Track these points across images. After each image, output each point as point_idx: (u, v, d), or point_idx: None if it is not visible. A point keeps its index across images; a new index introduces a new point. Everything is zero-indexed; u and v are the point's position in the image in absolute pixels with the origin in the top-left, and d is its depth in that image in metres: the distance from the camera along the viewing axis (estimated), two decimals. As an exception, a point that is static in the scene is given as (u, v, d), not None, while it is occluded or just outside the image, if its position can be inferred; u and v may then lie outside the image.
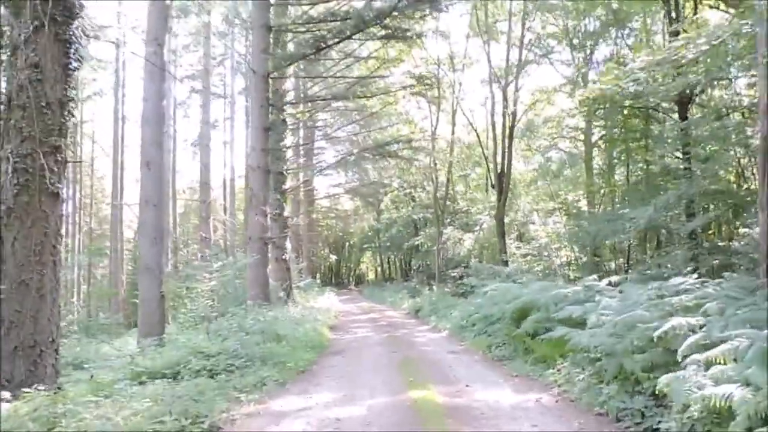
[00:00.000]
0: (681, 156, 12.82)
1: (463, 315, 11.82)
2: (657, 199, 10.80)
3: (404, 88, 17.19)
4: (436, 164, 24.32)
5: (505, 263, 19.46)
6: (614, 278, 7.16)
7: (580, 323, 6.28)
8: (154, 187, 11.03)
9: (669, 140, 13.44)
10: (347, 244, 54.62)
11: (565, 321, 6.65)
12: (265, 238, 14.57)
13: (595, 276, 7.99)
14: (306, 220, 35.79)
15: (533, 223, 25.18)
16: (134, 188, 44.45)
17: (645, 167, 16.80)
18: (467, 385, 6.53)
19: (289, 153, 20.50)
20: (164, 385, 5.62)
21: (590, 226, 14.22)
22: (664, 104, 14.93)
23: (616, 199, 19.81)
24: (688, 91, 12.76)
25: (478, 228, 26.27)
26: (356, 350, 10.37)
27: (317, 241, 44.55)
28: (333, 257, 52.62)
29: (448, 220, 27.57)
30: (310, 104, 20.02)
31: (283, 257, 18.37)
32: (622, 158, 18.01)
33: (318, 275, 51.92)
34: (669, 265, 11.42)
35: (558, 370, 6.34)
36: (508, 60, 19.66)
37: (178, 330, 11.15)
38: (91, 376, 6.13)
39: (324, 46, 14.50)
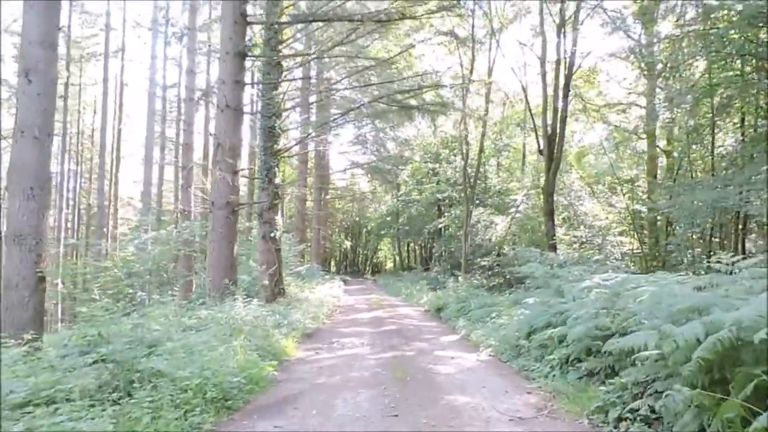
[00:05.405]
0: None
1: (518, 325, 7.26)
2: None
3: (431, 13, 12.89)
4: (466, 127, 19.98)
5: (554, 248, 15.22)
6: None
7: None
8: (36, 110, 7.04)
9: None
10: (364, 229, 50.60)
11: None
12: (233, 203, 10.55)
13: None
14: (317, 199, 31.86)
15: (582, 205, 20.77)
16: (134, 165, 41.08)
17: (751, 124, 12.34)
18: None
19: (286, 106, 16.39)
20: None
21: (700, 195, 9.69)
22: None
23: (697, 173, 15.47)
24: None
25: (514, 209, 21.85)
26: (317, 405, 5.30)
27: (330, 223, 40.57)
28: (348, 243, 48.77)
29: (478, 201, 23.27)
30: (313, 42, 15.91)
31: (272, 235, 14.41)
32: (710, 117, 13.49)
33: (333, 262, 48.10)
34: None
35: None
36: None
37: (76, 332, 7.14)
38: None
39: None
